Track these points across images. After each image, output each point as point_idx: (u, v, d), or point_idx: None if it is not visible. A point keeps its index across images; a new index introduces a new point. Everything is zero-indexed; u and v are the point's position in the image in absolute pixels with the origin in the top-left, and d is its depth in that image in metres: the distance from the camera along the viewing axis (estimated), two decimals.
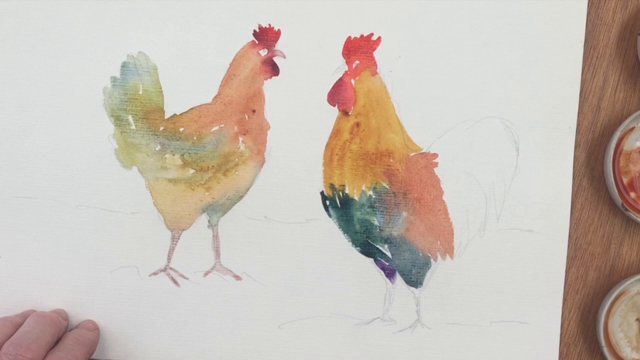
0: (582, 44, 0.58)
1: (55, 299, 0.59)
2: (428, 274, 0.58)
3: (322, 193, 0.58)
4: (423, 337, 0.58)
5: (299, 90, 0.58)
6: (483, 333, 0.58)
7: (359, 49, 0.58)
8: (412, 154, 0.58)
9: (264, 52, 0.58)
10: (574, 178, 0.58)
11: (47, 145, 0.58)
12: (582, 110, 0.58)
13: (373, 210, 0.58)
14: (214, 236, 0.59)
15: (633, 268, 0.59)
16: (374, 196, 0.58)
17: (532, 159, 0.58)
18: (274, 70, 0.58)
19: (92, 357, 0.57)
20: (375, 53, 0.58)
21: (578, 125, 0.58)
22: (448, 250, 0.58)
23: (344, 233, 0.58)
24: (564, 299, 0.58)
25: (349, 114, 0.58)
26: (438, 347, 0.58)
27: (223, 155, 0.58)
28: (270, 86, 0.58)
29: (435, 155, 0.58)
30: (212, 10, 0.58)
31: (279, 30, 0.58)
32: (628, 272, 0.59)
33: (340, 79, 0.58)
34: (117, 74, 0.58)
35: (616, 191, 0.56)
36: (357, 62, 0.58)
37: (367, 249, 0.58)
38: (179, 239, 0.59)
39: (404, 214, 0.58)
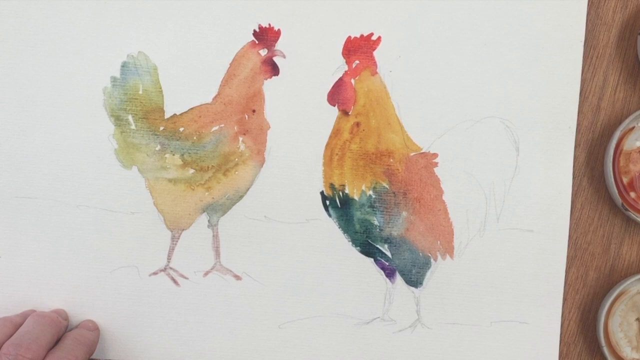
0: (582, 44, 0.58)
1: (55, 299, 0.59)
2: (428, 273, 0.58)
3: (322, 193, 0.58)
4: (423, 337, 0.58)
5: (299, 90, 0.58)
6: (483, 333, 0.58)
7: (359, 49, 0.58)
8: (412, 154, 0.58)
9: (264, 52, 0.58)
10: (574, 178, 0.58)
11: (47, 145, 0.58)
12: (582, 110, 0.58)
13: (373, 210, 0.58)
14: (214, 236, 0.59)
15: (633, 268, 0.59)
16: (374, 196, 0.58)
17: (532, 159, 0.58)
18: (274, 70, 0.58)
19: (92, 357, 0.57)
20: (375, 53, 0.58)
21: (578, 125, 0.58)
22: (448, 250, 0.58)
23: (344, 233, 0.58)
24: (564, 299, 0.58)
25: (349, 113, 0.58)
26: (438, 347, 0.58)
27: (223, 155, 0.58)
28: (270, 86, 0.58)
29: (435, 155, 0.58)
30: (212, 10, 0.58)
31: (279, 30, 0.58)
32: (628, 272, 0.59)
33: (340, 79, 0.58)
34: (117, 74, 0.58)
35: (616, 191, 0.56)
36: (357, 62, 0.58)
37: (367, 249, 0.58)
38: (179, 239, 0.59)
39: (404, 213, 0.58)
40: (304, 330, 0.58)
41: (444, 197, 0.58)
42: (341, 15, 0.58)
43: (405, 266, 0.58)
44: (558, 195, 0.58)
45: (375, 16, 0.58)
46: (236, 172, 0.58)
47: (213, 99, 0.58)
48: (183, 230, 0.59)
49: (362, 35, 0.58)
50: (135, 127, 0.58)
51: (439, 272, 0.58)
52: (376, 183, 0.58)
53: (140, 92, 0.58)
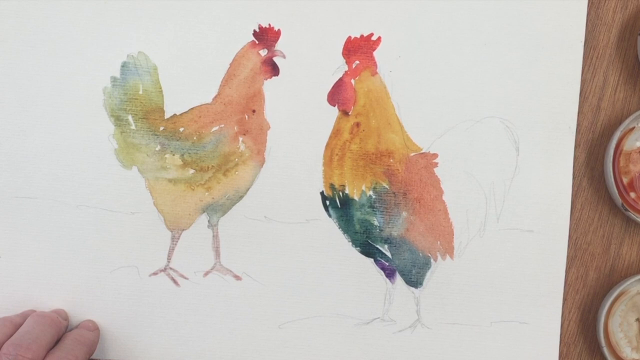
0: (582, 44, 0.58)
1: (55, 299, 0.59)
2: (428, 274, 0.58)
3: (322, 193, 0.58)
4: (423, 337, 0.58)
5: (299, 90, 0.58)
6: (483, 333, 0.58)
7: (359, 49, 0.58)
8: (412, 154, 0.58)
9: (264, 52, 0.58)
10: (574, 178, 0.58)
11: (47, 145, 0.58)
12: (582, 110, 0.58)
13: (373, 210, 0.58)
14: (214, 236, 0.59)
15: (633, 268, 0.59)
16: (374, 196, 0.58)
17: (532, 159, 0.58)
18: (274, 70, 0.58)
19: (92, 357, 0.57)
20: (375, 53, 0.58)
21: (578, 125, 0.58)
22: (448, 250, 0.58)
23: (344, 233, 0.58)
24: (564, 299, 0.58)
25: (349, 114, 0.58)
26: (438, 347, 0.58)
27: (223, 155, 0.58)
28: (270, 86, 0.58)
29: (435, 155, 0.58)
30: (212, 10, 0.58)
31: (279, 30, 0.58)
32: (628, 272, 0.59)
33: (340, 79, 0.58)
34: (117, 74, 0.58)
35: (616, 191, 0.56)
36: (357, 62, 0.58)
37: (367, 249, 0.58)
38: (179, 239, 0.59)
39: (404, 214, 0.58)
40: (304, 330, 0.58)
41: (444, 197, 0.58)
42: (341, 15, 0.58)
43: (405, 266, 0.58)
44: (558, 195, 0.58)
45: (375, 16, 0.58)
46: (236, 172, 0.58)
47: (213, 99, 0.58)
48: (183, 230, 0.59)
49: (362, 35, 0.58)
50: (135, 127, 0.58)
51: (439, 272, 0.58)
52: (376, 183, 0.58)
53: (140, 92, 0.58)
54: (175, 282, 0.59)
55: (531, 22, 0.58)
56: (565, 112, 0.58)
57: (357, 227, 0.58)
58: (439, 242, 0.58)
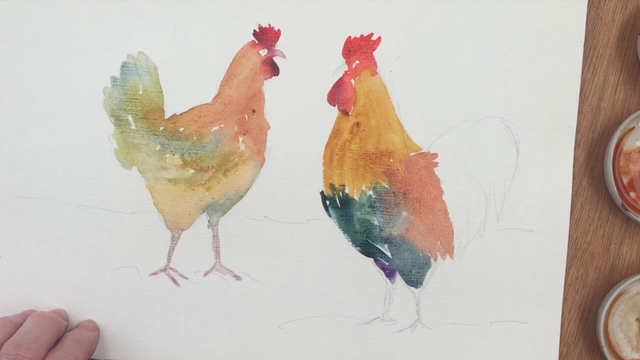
0: (582, 44, 0.58)
1: (55, 299, 0.59)
2: (428, 274, 0.58)
3: (322, 193, 0.58)
4: (423, 337, 0.58)
5: (299, 90, 0.58)
6: (483, 333, 0.58)
7: (359, 49, 0.58)
8: (412, 154, 0.58)
9: (264, 52, 0.58)
10: (574, 178, 0.58)
11: (47, 145, 0.58)
12: (582, 110, 0.58)
13: (373, 210, 0.58)
14: (214, 236, 0.59)
15: (633, 268, 0.59)
16: (374, 196, 0.58)
17: (532, 159, 0.58)
18: (274, 70, 0.58)
19: (92, 357, 0.57)
20: (375, 53, 0.58)
21: (578, 125, 0.58)
22: (448, 250, 0.58)
23: (344, 233, 0.58)
24: (564, 299, 0.58)
25: (349, 114, 0.58)
26: (438, 347, 0.58)
27: (223, 155, 0.58)
28: (270, 86, 0.58)
29: (435, 155, 0.58)
30: (212, 10, 0.58)
31: (279, 30, 0.58)
32: (628, 272, 0.59)
33: (340, 79, 0.58)
34: (117, 74, 0.58)
35: (616, 191, 0.56)
36: (357, 62, 0.58)
37: (367, 249, 0.58)
38: (179, 239, 0.59)
39: (404, 213, 0.58)
40: (304, 330, 0.58)
41: (444, 197, 0.58)
42: (341, 15, 0.58)
43: (405, 266, 0.58)
44: (558, 195, 0.58)
45: (375, 16, 0.58)
46: (236, 172, 0.58)
47: (213, 99, 0.58)
48: (183, 230, 0.59)
49: (362, 35, 0.58)
50: (135, 127, 0.58)
51: (439, 272, 0.58)
52: (376, 183, 0.58)
53: (140, 92, 0.58)
54: (175, 282, 0.59)
55: (531, 22, 0.58)
56: (565, 112, 0.58)
57: (357, 227, 0.58)
58: (439, 242, 0.58)
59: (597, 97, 0.58)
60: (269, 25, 0.58)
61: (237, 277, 0.58)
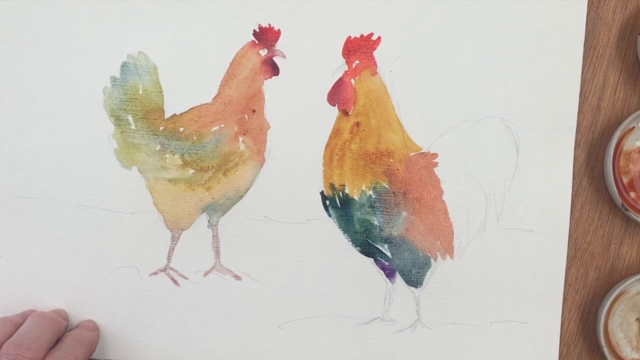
0: (582, 44, 0.58)
1: (55, 299, 0.59)
2: (428, 274, 0.58)
3: (322, 193, 0.58)
4: (423, 337, 0.58)
5: (299, 90, 0.58)
6: (483, 333, 0.58)
7: (359, 49, 0.58)
8: (412, 154, 0.58)
9: (264, 52, 0.58)
10: (574, 178, 0.58)
11: (47, 145, 0.58)
12: (582, 110, 0.58)
13: (373, 210, 0.58)
14: (214, 236, 0.59)
15: (633, 268, 0.59)
16: (374, 196, 0.58)
17: (532, 159, 0.58)
18: (274, 70, 0.58)
19: (92, 357, 0.57)
20: (375, 53, 0.58)
21: (578, 125, 0.58)
22: (448, 250, 0.58)
23: (344, 233, 0.58)
24: (564, 299, 0.58)
25: (349, 113, 0.58)
26: (438, 347, 0.58)
27: (223, 155, 0.58)
28: (270, 86, 0.58)
29: (435, 155, 0.58)
30: (212, 10, 0.58)
31: (279, 30, 0.58)
32: (628, 272, 0.59)
33: (340, 79, 0.58)
34: (117, 74, 0.58)
35: (616, 191, 0.56)
36: (357, 62, 0.58)
37: (367, 249, 0.58)
38: (179, 239, 0.59)
39: (404, 213, 0.58)
40: (304, 330, 0.58)
41: (444, 197, 0.58)
42: (341, 15, 0.58)
43: (405, 266, 0.58)
44: (558, 195, 0.58)
45: (375, 16, 0.58)
46: (236, 172, 0.58)
47: (213, 99, 0.58)
48: (183, 230, 0.59)
49: (362, 35, 0.58)
50: (135, 127, 0.58)
51: (439, 272, 0.58)
52: (376, 183, 0.58)
53: (140, 92, 0.58)
54: (175, 282, 0.59)
55: (531, 22, 0.58)
56: (565, 112, 0.58)
57: (357, 226, 0.58)
58: (439, 242, 0.58)
59: (597, 97, 0.58)
60: (269, 25, 0.58)
61: (237, 277, 0.58)
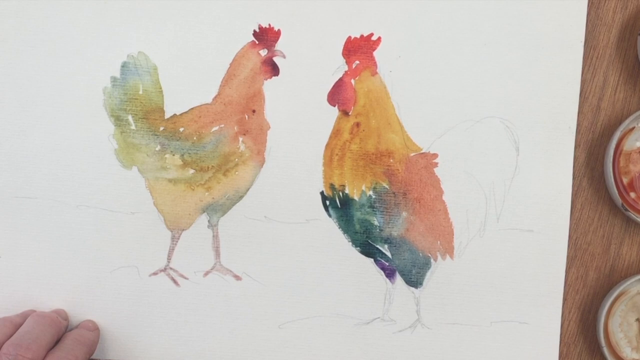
0: (582, 44, 0.58)
1: (55, 299, 0.59)
2: (428, 274, 0.58)
3: (322, 193, 0.58)
4: (423, 337, 0.58)
5: (299, 90, 0.58)
6: (483, 333, 0.58)
7: (359, 49, 0.58)
8: (412, 154, 0.58)
9: (264, 52, 0.58)
10: (574, 178, 0.58)
11: (47, 145, 0.58)
12: (582, 110, 0.58)
13: (373, 210, 0.58)
14: (214, 236, 0.59)
15: (633, 268, 0.59)
16: (374, 196, 0.58)
17: (532, 159, 0.58)
18: (274, 70, 0.58)
19: (92, 357, 0.57)
20: (375, 53, 0.58)
21: (578, 125, 0.58)
22: (448, 250, 0.58)
23: (344, 233, 0.58)
24: (564, 299, 0.58)
25: (349, 114, 0.58)
26: (438, 347, 0.58)
27: (223, 155, 0.58)
28: (270, 86, 0.58)
29: (435, 155, 0.58)
30: (212, 10, 0.58)
31: (279, 30, 0.58)
32: (628, 272, 0.59)
33: (340, 79, 0.58)
34: (117, 74, 0.58)
35: (616, 191, 0.56)
36: (357, 62, 0.58)
37: (367, 249, 0.58)
38: (179, 239, 0.59)
39: (404, 214, 0.58)
40: (304, 330, 0.58)
41: (444, 197, 0.58)
42: (341, 15, 0.58)
43: (405, 266, 0.58)
44: (558, 195, 0.58)
45: (375, 16, 0.58)
46: (236, 172, 0.58)
47: (213, 99, 0.58)
48: (183, 230, 0.59)
49: (362, 35, 0.58)
50: (135, 127, 0.58)
51: (439, 272, 0.58)
52: (376, 183, 0.58)
53: (140, 92, 0.58)
54: (175, 282, 0.59)
55: (531, 22, 0.58)
56: (565, 112, 0.58)
57: (357, 227, 0.58)
58: (439, 242, 0.58)
59: (597, 97, 0.58)
60: (269, 25, 0.58)
61: (237, 277, 0.58)
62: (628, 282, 0.56)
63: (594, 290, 0.59)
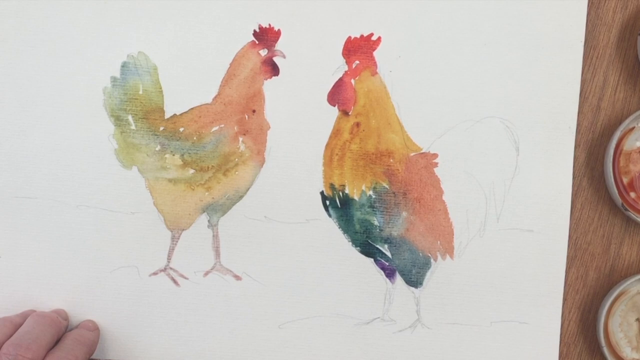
0: (582, 44, 0.58)
1: (55, 299, 0.59)
2: (428, 274, 0.58)
3: (322, 193, 0.58)
4: (423, 337, 0.58)
5: (299, 90, 0.58)
6: (483, 333, 0.58)
7: (359, 49, 0.58)
8: (412, 154, 0.58)
9: (264, 52, 0.58)
10: (574, 178, 0.58)
11: (47, 145, 0.58)
12: (582, 110, 0.58)
13: (373, 210, 0.58)
14: (214, 236, 0.59)
15: (633, 268, 0.59)
16: (374, 196, 0.58)
17: (532, 159, 0.58)
18: (274, 70, 0.58)
19: (92, 357, 0.57)
20: (375, 53, 0.58)
21: (578, 125, 0.58)
22: (448, 250, 0.58)
23: (344, 233, 0.58)
24: (564, 299, 0.58)
25: (349, 114, 0.58)
26: (438, 347, 0.58)
27: (223, 155, 0.58)
28: (270, 86, 0.58)
29: (435, 155, 0.58)
30: (212, 10, 0.58)
31: (279, 30, 0.58)
32: (628, 272, 0.59)
33: (340, 79, 0.58)
34: (117, 74, 0.58)
35: (616, 191, 0.56)
36: (357, 62, 0.58)
37: (367, 249, 0.58)
38: (179, 239, 0.59)
39: (404, 214, 0.58)
40: (304, 330, 0.58)
41: (444, 197, 0.58)
42: (341, 15, 0.58)
43: (405, 266, 0.58)
44: (558, 195, 0.58)
45: (375, 16, 0.58)
46: (236, 172, 0.58)
47: (213, 99, 0.58)
48: (183, 230, 0.59)
49: (362, 36, 0.58)
50: (135, 127, 0.58)
51: (439, 272, 0.58)
52: (376, 183, 0.58)
53: (140, 92, 0.58)
54: (175, 282, 0.59)
55: (531, 22, 0.58)
56: (565, 112, 0.58)
57: (357, 227, 0.58)
58: (439, 242, 0.58)
59: (597, 97, 0.58)
60: (269, 25, 0.58)
61: (237, 277, 0.58)
62: (628, 282, 0.56)
63: (594, 290, 0.59)
